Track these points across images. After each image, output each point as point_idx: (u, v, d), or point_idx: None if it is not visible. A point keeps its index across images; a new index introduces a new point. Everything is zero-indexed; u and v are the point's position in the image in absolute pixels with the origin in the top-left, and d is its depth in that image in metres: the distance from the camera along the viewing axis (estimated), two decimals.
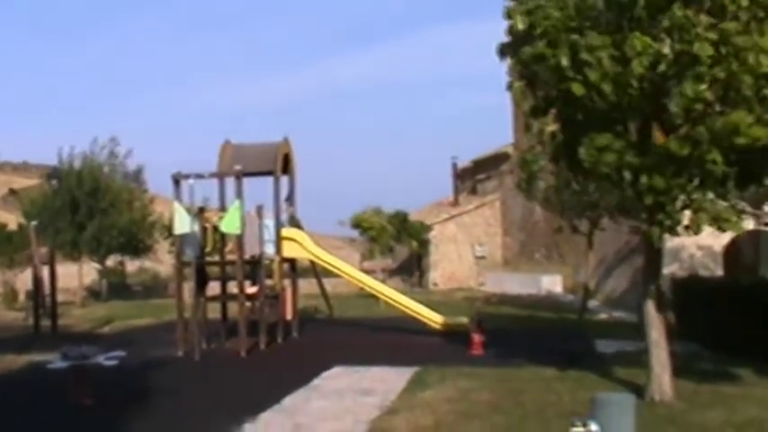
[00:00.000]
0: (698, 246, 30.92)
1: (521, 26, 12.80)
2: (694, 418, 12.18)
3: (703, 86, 11.16)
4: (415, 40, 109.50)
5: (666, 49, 11.45)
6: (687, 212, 12.49)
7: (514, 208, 47.91)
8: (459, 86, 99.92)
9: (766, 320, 18.81)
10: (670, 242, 30.33)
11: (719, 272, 30.05)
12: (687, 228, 12.55)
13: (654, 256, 14.20)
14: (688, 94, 11.14)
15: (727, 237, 29.96)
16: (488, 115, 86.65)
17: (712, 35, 11.07)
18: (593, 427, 5.66)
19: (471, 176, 56.37)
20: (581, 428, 5.70)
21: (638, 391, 13.91)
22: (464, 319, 23.45)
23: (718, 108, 11.59)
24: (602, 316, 29.95)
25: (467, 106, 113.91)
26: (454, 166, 55.03)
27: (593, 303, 33.23)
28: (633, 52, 11.41)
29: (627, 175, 12.12)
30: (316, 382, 16.81)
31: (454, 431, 12.21)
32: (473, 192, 55.82)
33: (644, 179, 12.03)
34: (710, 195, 12.66)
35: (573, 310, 30.44)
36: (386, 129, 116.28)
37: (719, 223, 12.15)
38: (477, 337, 20.46)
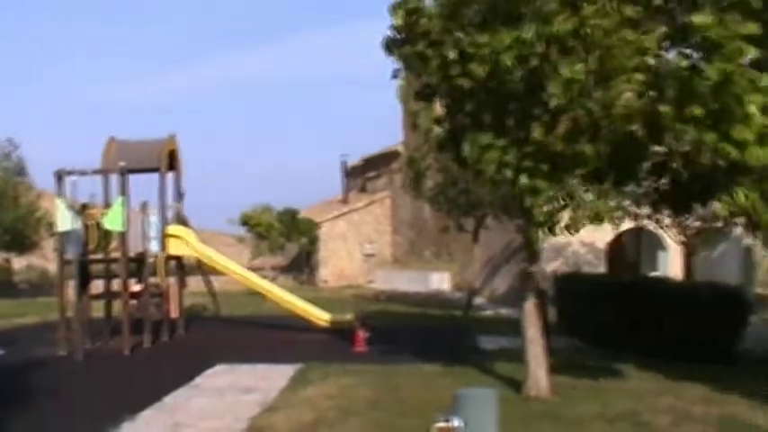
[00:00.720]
0: (582, 243, 31.52)
1: (400, 22, 12.86)
2: (568, 412, 12.36)
3: (577, 67, 11.29)
4: (305, 38, 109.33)
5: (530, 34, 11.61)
6: (566, 212, 12.66)
7: (404, 206, 48.15)
8: (352, 84, 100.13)
9: (646, 316, 19.28)
10: (554, 239, 30.91)
11: (603, 268, 30.70)
12: (567, 227, 12.72)
13: (532, 253, 14.39)
14: (566, 74, 11.26)
15: (610, 234, 30.64)
16: (379, 113, 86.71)
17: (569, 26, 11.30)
18: (456, 422, 5.67)
19: (362, 174, 56.49)
20: (444, 423, 5.71)
21: (518, 386, 14.11)
22: (349, 317, 23.46)
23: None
24: (488, 313, 30.28)
25: (358, 104, 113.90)
26: (344, 164, 55.08)
27: (479, 301, 33.60)
28: (502, 46, 11.54)
29: (508, 173, 12.22)
30: (198, 380, 16.62)
31: (333, 428, 12.13)
32: (363, 190, 55.93)
33: (523, 179, 12.15)
34: (590, 196, 12.87)
35: (460, 307, 30.67)
36: (279, 127, 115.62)
37: (599, 219, 12.34)
38: (361, 335, 20.48)
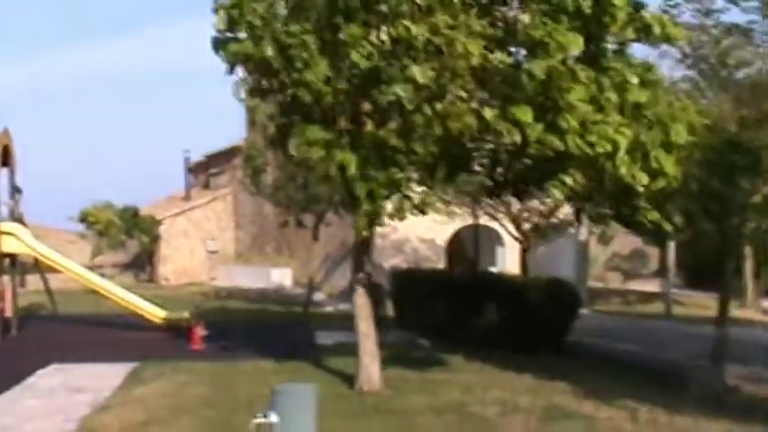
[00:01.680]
0: (421, 239, 31.96)
1: (222, 24, 12.77)
2: (399, 405, 12.52)
3: (429, 71, 11.43)
4: (149, 33, 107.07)
5: (384, 36, 11.68)
6: (392, 201, 12.76)
7: (246, 202, 47.83)
8: (196, 79, 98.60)
9: (479, 310, 19.71)
10: (395, 235, 31.26)
11: (442, 264, 31.20)
12: (392, 216, 12.83)
13: (362, 247, 14.49)
14: (416, 75, 11.38)
15: (449, 230, 31.17)
16: (222, 109, 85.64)
17: (423, 24, 11.41)
18: (273, 417, 5.68)
19: (204, 171, 55.90)
20: (262, 420, 5.71)
21: (352, 380, 14.21)
22: (186, 314, 23.17)
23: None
24: (328, 309, 30.39)
25: (203, 100, 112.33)
26: (187, 160, 54.34)
27: (319, 296, 33.69)
28: (349, 42, 11.58)
29: (332, 168, 12.26)
30: (30, 380, 16.12)
31: (165, 426, 11.97)
32: (206, 186, 55.36)
33: (352, 169, 12.20)
34: (419, 188, 13.05)
35: (300, 303, 30.67)
36: (123, 123, 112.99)
37: (424, 208, 12.54)
38: (197, 332, 20.26)
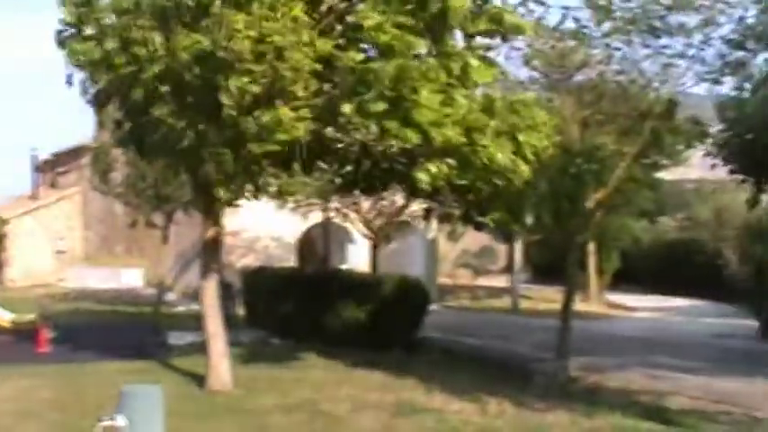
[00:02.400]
0: (272, 237, 31.95)
1: (69, 18, 12.57)
2: (249, 404, 12.55)
3: (246, 80, 11.41)
4: None
5: (207, 43, 11.64)
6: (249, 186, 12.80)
7: (94, 201, 46.84)
8: (45, 76, 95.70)
9: (329, 307, 19.85)
10: (246, 234, 31.20)
11: (293, 263, 31.26)
12: (248, 198, 12.82)
13: (211, 246, 14.45)
14: (232, 88, 11.39)
15: (300, 229, 31.26)
16: (71, 107, 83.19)
17: (253, 33, 11.37)
18: (121, 420, 5.66)
19: (52, 170, 54.52)
20: (108, 422, 5.69)
21: (202, 380, 14.17)
22: (32, 317, 22.59)
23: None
24: (180, 309, 30.05)
25: (50, 97, 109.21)
26: (34, 158, 52.89)
27: (171, 296, 33.34)
28: (180, 46, 11.52)
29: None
30: None
31: None
32: (54, 186, 54.00)
33: (209, 165, 12.15)
34: (274, 181, 13.12)
35: (151, 303, 30.24)
36: None
37: (283, 196, 12.61)
38: (44, 335, 19.81)
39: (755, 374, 18.46)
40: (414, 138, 11.63)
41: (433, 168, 12.19)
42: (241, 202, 13.97)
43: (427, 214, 14.26)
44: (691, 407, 15.01)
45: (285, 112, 11.43)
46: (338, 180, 15.09)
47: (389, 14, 11.81)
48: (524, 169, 12.63)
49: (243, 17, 11.35)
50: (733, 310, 34.93)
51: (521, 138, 12.43)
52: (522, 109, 12.94)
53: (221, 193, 12.60)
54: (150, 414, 5.78)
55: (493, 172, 12.50)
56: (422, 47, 12.04)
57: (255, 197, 12.97)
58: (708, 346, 24.45)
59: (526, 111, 12.90)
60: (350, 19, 12.61)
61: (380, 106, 11.53)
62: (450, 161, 12.22)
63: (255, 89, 11.38)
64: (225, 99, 11.49)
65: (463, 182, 12.62)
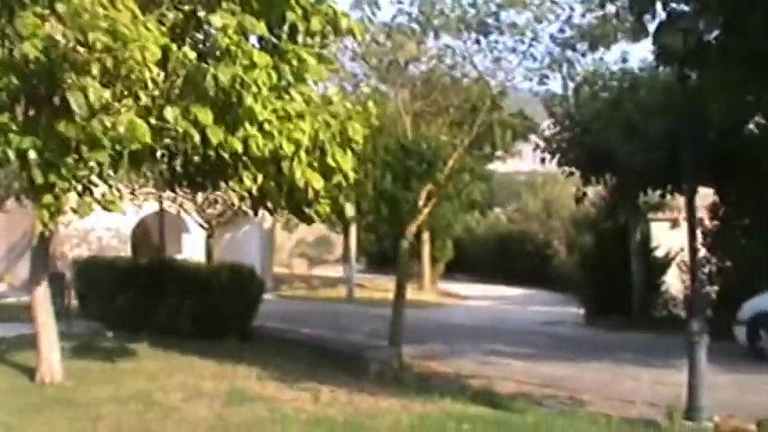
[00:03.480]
0: (106, 228, 31.49)
1: None
2: (81, 396, 12.38)
3: (93, 78, 11.08)
4: None
5: (59, 36, 11.32)
6: (74, 195, 12.52)
7: None
8: None
9: (163, 297, 19.75)
10: (80, 225, 30.57)
11: (128, 253, 30.89)
12: (75, 211, 12.56)
13: (42, 237, 14.16)
14: (77, 83, 11.07)
15: (135, 219, 30.89)
16: None
17: (104, 24, 11.08)
18: None
19: None
20: None
21: (33, 373, 13.91)
22: None
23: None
24: (10, 300, 29.31)
25: None
26: None
27: (1, 288, 32.51)
28: (25, 33, 11.15)
29: (10, 153, 11.80)
30: None
31: None
32: None
33: (32, 155, 11.83)
34: (100, 183, 12.86)
35: None
36: None
37: (105, 205, 12.37)
38: None
39: (581, 360, 19.26)
40: (238, 147, 11.56)
41: (247, 181, 12.22)
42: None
43: (255, 209, 14.27)
44: (518, 391, 15.60)
45: (134, 121, 11.13)
46: (167, 176, 14.87)
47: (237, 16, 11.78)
48: (338, 182, 12.84)
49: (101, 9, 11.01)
50: (561, 298, 36.17)
51: (328, 153, 12.56)
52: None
53: (46, 197, 12.19)
54: None
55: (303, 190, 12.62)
56: (261, 60, 11.91)
57: (82, 209, 12.49)
58: (536, 333, 25.33)
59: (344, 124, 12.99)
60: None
61: (208, 116, 11.30)
62: (270, 171, 12.28)
63: (106, 93, 11.05)
64: (72, 99, 11.09)
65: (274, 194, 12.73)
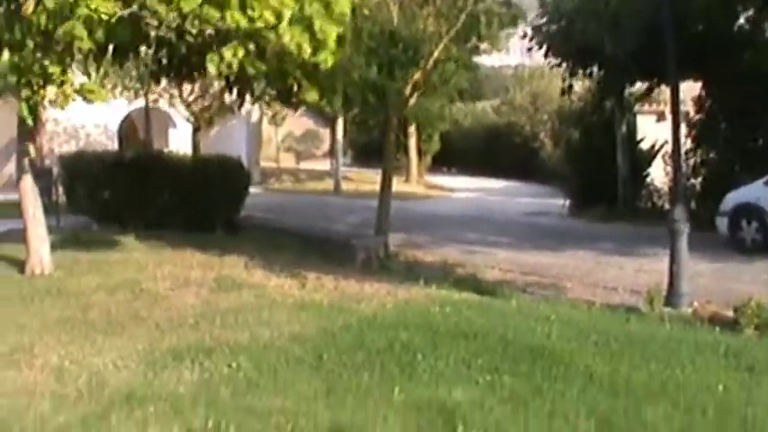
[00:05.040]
0: (95, 125, 31.39)
1: None
2: (71, 286, 12.52)
3: None
4: None
5: None
6: (53, 88, 12.42)
7: None
8: None
9: (150, 190, 19.83)
10: (68, 122, 30.52)
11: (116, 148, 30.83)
12: (52, 102, 12.49)
13: (26, 132, 14.16)
14: None
15: (121, 115, 30.79)
16: None
17: None
18: None
19: None
20: None
21: (22, 266, 14.04)
22: None
23: None
24: None
25: None
26: None
27: None
28: None
29: None
30: None
31: None
32: None
33: (5, 55, 11.72)
34: (78, 75, 12.76)
35: None
36: None
37: (85, 94, 12.27)
38: None
39: (565, 249, 19.44)
40: (216, 17, 11.23)
41: (228, 54, 11.91)
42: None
43: (241, 98, 14.12)
44: (503, 278, 15.78)
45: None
46: (152, 67, 14.72)
47: None
48: (325, 58, 12.55)
49: None
50: (547, 190, 36.29)
51: (316, 25, 12.25)
52: None
53: (24, 91, 12.06)
54: None
55: (289, 62, 12.36)
56: None
57: (60, 101, 12.33)
58: (521, 224, 25.51)
59: None
60: None
61: None
62: (250, 46, 11.98)
63: None
64: None
65: (257, 70, 12.38)
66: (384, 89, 18.51)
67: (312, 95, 13.07)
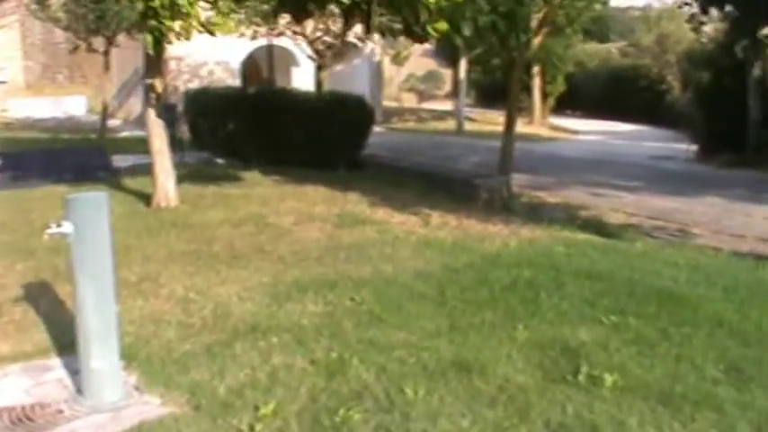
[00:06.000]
0: (217, 62, 31.68)
1: None
2: (196, 219, 12.67)
3: None
4: None
5: None
6: (178, 21, 12.46)
7: (34, 29, 45.99)
8: None
9: (273, 126, 19.89)
10: (190, 59, 30.90)
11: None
12: (178, 35, 12.56)
13: (152, 64, 14.26)
14: None
15: (244, 53, 31.00)
16: None
17: None
18: (67, 227, 5.73)
19: None
20: (54, 229, 5.75)
21: (149, 199, 14.26)
22: None
23: None
24: (124, 134, 30.00)
25: None
26: None
27: (115, 122, 33.17)
28: None
29: None
30: None
31: None
32: None
33: None
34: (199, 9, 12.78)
35: (95, 130, 30.16)
36: None
37: (209, 27, 12.28)
38: None
39: (692, 194, 19.00)
40: None
41: None
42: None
43: (368, 29, 13.96)
44: (627, 222, 15.47)
45: None
46: (273, 2, 14.68)
47: None
48: None
49: None
50: (673, 135, 35.55)
51: None
52: None
53: (151, 21, 12.16)
54: (96, 218, 5.83)
55: None
56: None
57: (186, 34, 12.41)
58: (647, 168, 25.00)
59: None
60: None
61: None
62: None
63: None
64: None
65: None
66: (515, 15, 18.03)
67: (441, 26, 12.80)
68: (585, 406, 5.59)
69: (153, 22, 11.82)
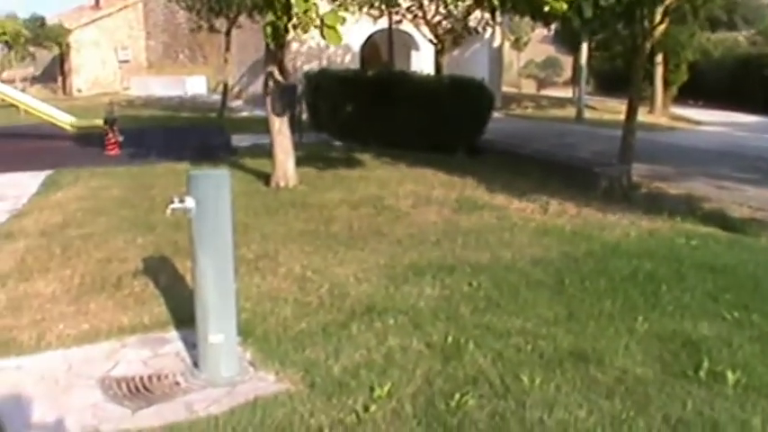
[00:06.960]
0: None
1: None
2: (315, 199, 12.77)
3: None
4: None
5: None
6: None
7: (157, 9, 46.94)
8: None
9: (391, 109, 19.86)
10: (311, 41, 31.06)
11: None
12: (295, 27, 12.57)
13: (271, 53, 14.34)
14: None
15: (364, 36, 31.04)
16: None
17: None
18: (189, 202, 5.82)
19: None
20: (178, 204, 5.85)
21: (268, 178, 14.40)
22: (99, 121, 22.85)
23: None
24: (244, 114, 30.37)
25: None
26: None
27: (236, 103, 33.61)
28: None
29: None
30: None
31: (82, 227, 11.97)
32: None
33: None
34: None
35: (215, 109, 30.61)
36: None
37: (324, 29, 12.24)
38: (112, 138, 20.13)
39: None
40: None
41: None
42: None
43: (492, 13, 13.82)
44: (753, 216, 15.02)
45: None
46: None
47: None
48: None
49: None
50: None
51: None
52: None
53: (269, 15, 12.20)
54: (218, 195, 5.92)
55: None
56: None
57: (303, 27, 12.45)
58: None
59: None
60: None
61: None
62: None
63: None
64: None
65: None
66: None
67: (560, 5, 12.57)
68: (707, 403, 5.45)
69: (271, 17, 11.86)
